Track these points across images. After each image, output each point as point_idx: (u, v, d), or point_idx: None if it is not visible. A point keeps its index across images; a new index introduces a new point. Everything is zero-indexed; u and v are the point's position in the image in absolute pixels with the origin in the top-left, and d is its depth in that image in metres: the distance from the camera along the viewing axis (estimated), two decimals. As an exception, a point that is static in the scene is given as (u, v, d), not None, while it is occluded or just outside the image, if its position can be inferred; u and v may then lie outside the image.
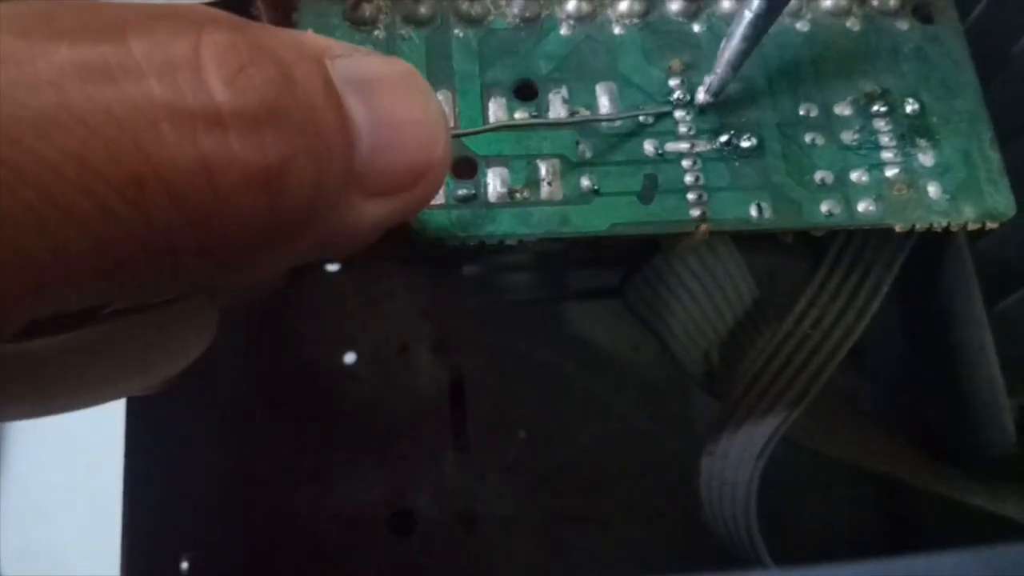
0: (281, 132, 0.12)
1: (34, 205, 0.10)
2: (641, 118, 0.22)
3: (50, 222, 0.10)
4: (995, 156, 0.22)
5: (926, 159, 0.22)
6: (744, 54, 0.21)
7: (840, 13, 0.24)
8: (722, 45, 0.21)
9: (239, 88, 0.12)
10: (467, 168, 0.21)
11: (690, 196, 0.21)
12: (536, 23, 0.23)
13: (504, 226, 0.21)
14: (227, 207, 0.12)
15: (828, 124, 0.22)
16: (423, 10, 0.22)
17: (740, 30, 0.20)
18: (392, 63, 0.15)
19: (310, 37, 0.14)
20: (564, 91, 0.22)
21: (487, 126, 0.21)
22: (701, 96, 0.22)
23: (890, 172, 0.22)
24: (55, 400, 0.15)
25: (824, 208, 0.21)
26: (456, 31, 0.23)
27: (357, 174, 0.14)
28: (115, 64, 0.11)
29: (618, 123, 0.22)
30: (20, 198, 0.10)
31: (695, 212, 0.21)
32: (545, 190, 0.21)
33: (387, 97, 0.15)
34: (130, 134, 0.11)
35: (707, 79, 0.22)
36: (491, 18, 0.23)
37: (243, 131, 0.12)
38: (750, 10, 0.20)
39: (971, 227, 0.22)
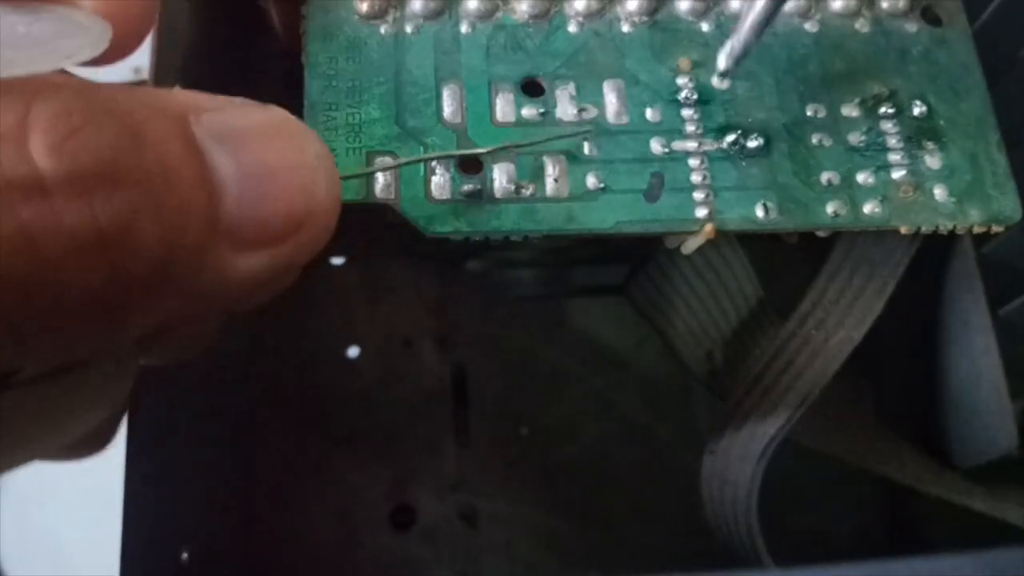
0: (117, 193, 0.12)
1: None
2: (648, 114, 0.22)
3: None
4: (1002, 159, 0.22)
5: (933, 161, 0.22)
6: (768, 18, 0.20)
7: (849, 15, 0.24)
8: (743, 10, 0.21)
9: (66, 152, 0.12)
10: (473, 163, 0.21)
11: (696, 195, 0.21)
12: (545, 20, 0.23)
13: (509, 222, 0.21)
14: (57, 275, 0.12)
15: (835, 125, 0.22)
16: (432, 5, 0.22)
17: None
18: (265, 111, 0.15)
19: (177, 94, 0.14)
20: (571, 88, 0.22)
21: (388, 164, 0.21)
22: (722, 62, 0.22)
23: (896, 174, 0.22)
24: None
25: (830, 209, 0.21)
26: (464, 26, 0.23)
27: (225, 228, 0.14)
28: None
29: (609, 115, 0.22)
30: None
31: (701, 211, 0.21)
32: (551, 187, 0.21)
33: (256, 146, 0.14)
34: None
35: (728, 43, 0.21)
36: (500, 14, 0.23)
37: (70, 196, 0.12)
38: None
39: (977, 230, 0.22)
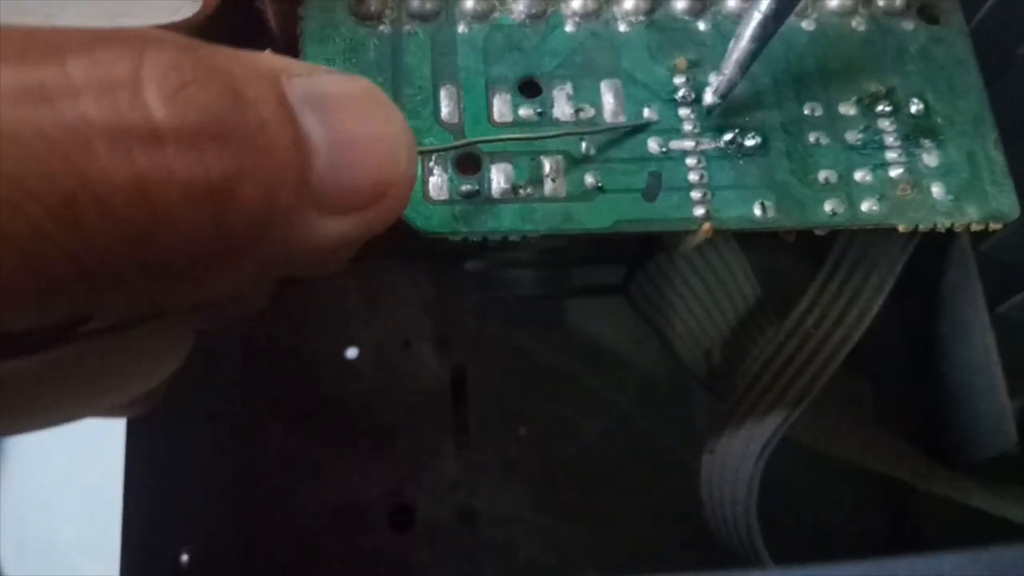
0: (226, 149, 0.12)
1: None
2: (645, 113, 0.22)
3: None
4: (999, 157, 0.22)
5: (930, 159, 0.22)
6: (753, 55, 0.21)
7: (845, 13, 0.24)
8: (730, 46, 0.21)
9: (179, 105, 0.12)
10: (471, 164, 0.21)
11: (694, 194, 0.21)
12: (542, 20, 0.23)
13: (507, 222, 0.21)
14: (167, 225, 0.12)
15: (832, 123, 0.22)
16: (429, 5, 0.22)
17: (749, 31, 0.20)
18: (353, 80, 0.15)
19: (267, 57, 0.14)
20: (568, 88, 0.22)
21: (457, 142, 0.21)
22: (708, 98, 0.22)
23: (894, 172, 0.22)
24: (18, 420, 0.15)
25: (828, 207, 0.21)
26: (461, 27, 0.23)
27: (314, 192, 0.14)
28: (51, 86, 0.11)
29: (606, 115, 0.22)
30: None
31: (699, 210, 0.21)
32: (549, 186, 0.21)
33: (345, 114, 0.15)
34: (62, 153, 0.11)
35: (714, 80, 0.22)
36: (497, 14, 0.23)
37: (182, 147, 0.12)
38: (759, 11, 0.20)
39: (974, 228, 0.22)
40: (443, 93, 0.22)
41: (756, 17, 0.20)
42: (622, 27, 0.23)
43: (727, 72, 0.21)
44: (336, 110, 0.14)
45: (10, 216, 0.11)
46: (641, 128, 0.22)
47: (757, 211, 0.21)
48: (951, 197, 0.22)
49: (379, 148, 0.15)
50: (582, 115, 0.22)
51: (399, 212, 0.16)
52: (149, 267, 0.12)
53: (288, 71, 0.14)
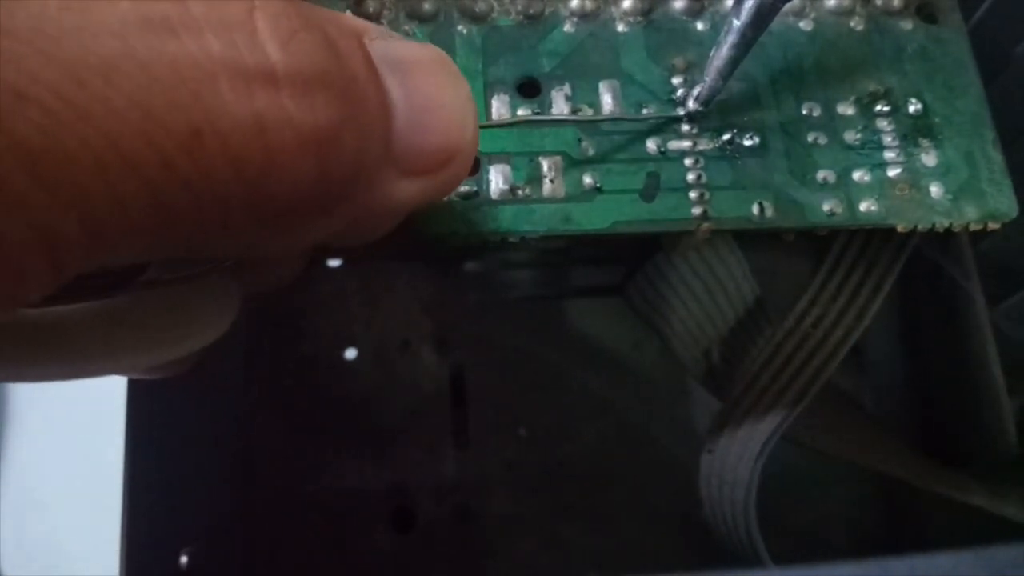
0: (331, 98, 0.13)
1: (98, 150, 0.10)
2: (643, 113, 0.22)
3: (112, 168, 0.10)
4: (997, 157, 0.22)
5: (928, 159, 0.22)
6: (733, 62, 0.21)
7: (843, 12, 0.24)
8: (711, 54, 0.21)
9: (292, 51, 0.12)
10: (469, 165, 0.21)
11: (692, 194, 0.21)
12: (540, 20, 0.23)
13: (506, 223, 0.21)
14: (278, 167, 0.12)
15: (831, 123, 0.22)
16: (427, 6, 0.22)
17: (729, 39, 0.20)
18: (426, 48, 0.16)
19: (350, 17, 0.15)
20: (567, 88, 0.22)
21: (514, 118, 0.21)
22: (691, 104, 0.22)
23: (892, 172, 0.22)
24: (73, 366, 0.15)
25: (826, 207, 0.21)
26: (460, 27, 0.23)
27: (392, 151, 0.15)
28: (175, 19, 0.11)
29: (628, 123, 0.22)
30: (85, 142, 0.10)
31: (697, 210, 0.21)
32: (547, 187, 0.21)
33: (421, 79, 0.15)
34: (191, 87, 0.11)
35: (696, 88, 0.22)
36: (495, 15, 0.23)
37: (296, 93, 0.12)
38: (738, 19, 0.20)
39: (973, 228, 0.22)
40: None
41: (735, 25, 0.20)
42: (620, 27, 0.23)
43: (708, 80, 0.21)
44: (413, 73, 0.15)
45: (140, 144, 0.11)
46: (673, 120, 0.22)
47: (755, 211, 0.21)
48: (949, 197, 0.22)
49: (450, 113, 0.15)
50: (580, 115, 0.22)
51: (460, 181, 0.16)
52: (256, 210, 0.12)
53: (368, 33, 0.15)
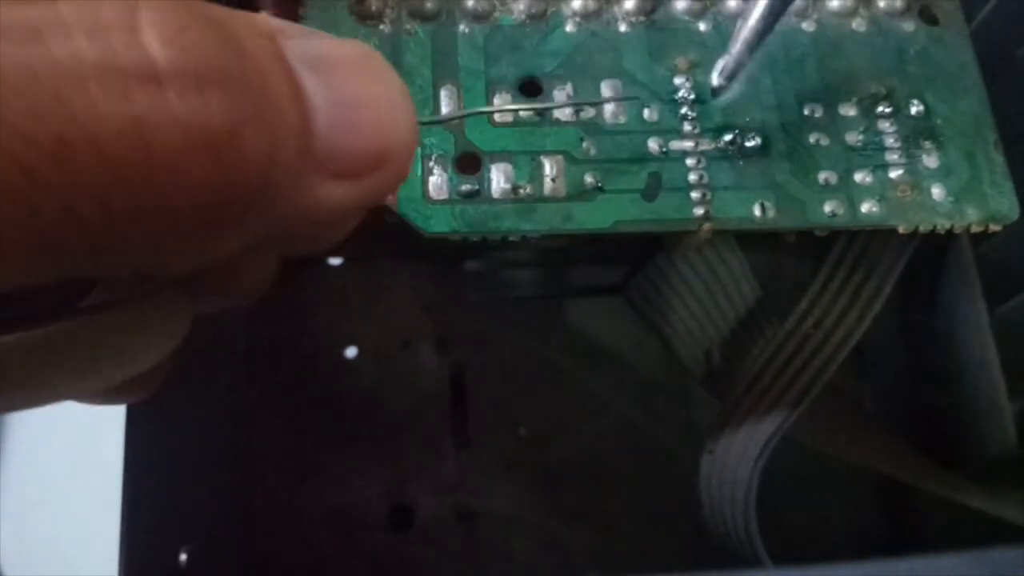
0: (227, 94, 0.12)
1: None
2: (645, 114, 0.22)
3: None
4: (999, 159, 0.22)
5: (930, 161, 0.22)
6: (761, 34, 0.20)
7: (846, 14, 0.24)
8: (737, 26, 0.21)
9: (179, 46, 0.12)
10: (471, 164, 0.21)
11: (694, 195, 0.21)
12: (542, 20, 0.23)
13: (507, 222, 0.21)
14: (165, 170, 0.11)
15: (833, 124, 0.22)
16: (429, 5, 0.22)
17: (758, 10, 0.20)
18: (350, 44, 0.15)
19: (263, 16, 0.14)
20: (569, 88, 0.22)
21: (458, 112, 0.21)
22: (715, 79, 0.22)
23: (894, 173, 0.22)
24: (8, 397, 0.15)
25: (828, 208, 0.21)
26: (462, 27, 0.23)
27: (314, 153, 0.14)
28: (41, 24, 0.11)
29: (606, 115, 0.22)
30: None
31: (698, 210, 0.21)
32: (548, 186, 0.21)
33: (345, 75, 0.14)
34: (53, 93, 0.10)
35: (720, 62, 0.21)
36: (497, 14, 0.23)
37: (184, 89, 0.11)
38: None
39: (974, 229, 0.22)
40: (443, 93, 0.22)
41: None
42: (622, 27, 0.23)
43: (734, 51, 0.21)
44: (336, 71, 0.14)
45: (1, 159, 0.10)
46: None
47: (757, 211, 0.21)
48: (951, 198, 0.22)
49: (379, 111, 0.15)
50: (581, 115, 0.22)
51: (397, 183, 0.16)
52: (150, 218, 0.12)
53: (284, 32, 0.14)
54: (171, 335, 0.17)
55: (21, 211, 0.10)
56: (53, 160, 0.10)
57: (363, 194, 0.15)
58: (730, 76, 0.21)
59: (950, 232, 0.22)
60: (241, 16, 0.13)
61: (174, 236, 0.13)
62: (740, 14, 0.23)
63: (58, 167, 0.11)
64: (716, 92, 0.22)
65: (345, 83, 0.14)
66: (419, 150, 0.21)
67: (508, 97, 0.22)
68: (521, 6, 0.23)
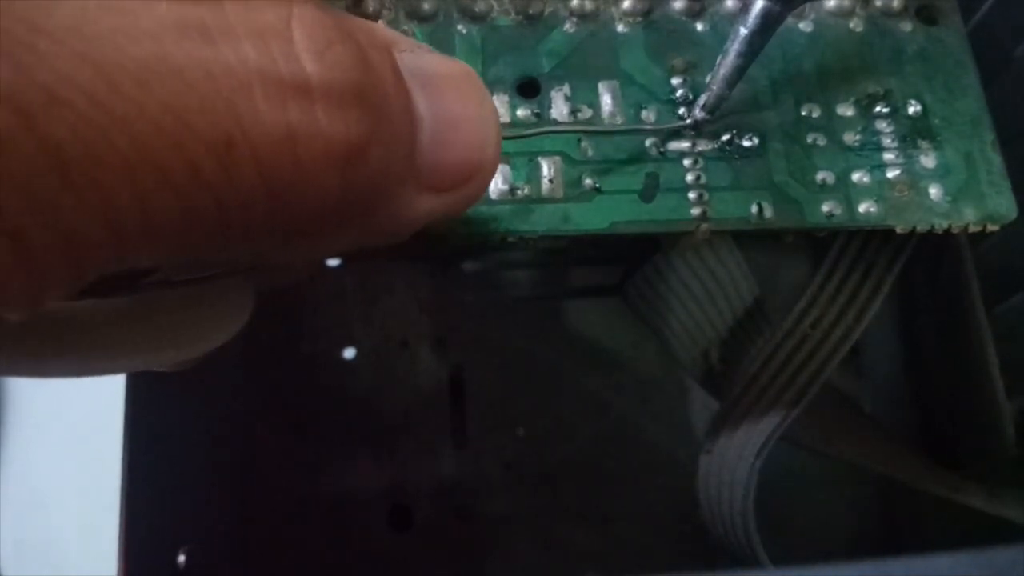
0: (362, 112, 0.13)
1: (127, 155, 0.10)
2: (643, 114, 0.22)
3: (141, 173, 0.10)
4: (997, 159, 0.22)
5: (928, 161, 0.22)
6: (740, 70, 0.21)
7: (843, 14, 0.24)
8: (718, 61, 0.21)
9: (328, 63, 0.12)
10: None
11: (691, 195, 0.21)
12: (539, 20, 0.23)
13: (505, 223, 0.21)
14: (305, 180, 0.12)
15: (830, 125, 0.22)
16: (426, 6, 0.22)
17: (735, 47, 0.20)
18: (452, 62, 0.16)
19: (380, 28, 0.15)
20: (566, 88, 0.22)
21: (538, 129, 0.21)
22: (698, 113, 0.22)
23: (891, 173, 0.22)
24: (88, 362, 0.15)
25: (825, 208, 0.21)
26: (459, 27, 0.23)
27: (416, 166, 0.14)
28: (212, 25, 0.11)
29: (604, 116, 0.22)
30: (115, 146, 0.10)
31: (696, 211, 0.21)
32: (546, 188, 0.21)
33: (448, 94, 0.15)
34: (225, 94, 0.11)
35: (702, 97, 0.22)
36: (494, 15, 0.23)
37: (330, 105, 0.12)
38: (745, 27, 0.20)
39: (972, 229, 0.22)
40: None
41: (742, 33, 0.20)
42: (620, 27, 0.23)
43: (715, 88, 0.21)
44: (439, 88, 0.15)
45: (170, 150, 0.10)
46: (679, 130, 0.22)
47: (754, 212, 0.21)
48: (948, 198, 0.22)
49: (475, 130, 0.15)
50: (580, 115, 0.22)
51: (478, 198, 0.16)
52: (279, 221, 0.12)
53: (398, 45, 0.14)
54: (238, 315, 0.18)
55: (180, 203, 0.11)
56: (216, 159, 0.11)
57: (449, 206, 0.15)
58: (712, 110, 0.22)
59: (948, 232, 0.22)
60: (365, 26, 0.14)
61: (296, 237, 0.13)
62: (737, 15, 0.23)
63: (218, 165, 0.11)
64: (699, 126, 0.22)
65: (448, 101, 0.15)
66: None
67: (506, 98, 0.22)
68: (518, 6, 0.23)
